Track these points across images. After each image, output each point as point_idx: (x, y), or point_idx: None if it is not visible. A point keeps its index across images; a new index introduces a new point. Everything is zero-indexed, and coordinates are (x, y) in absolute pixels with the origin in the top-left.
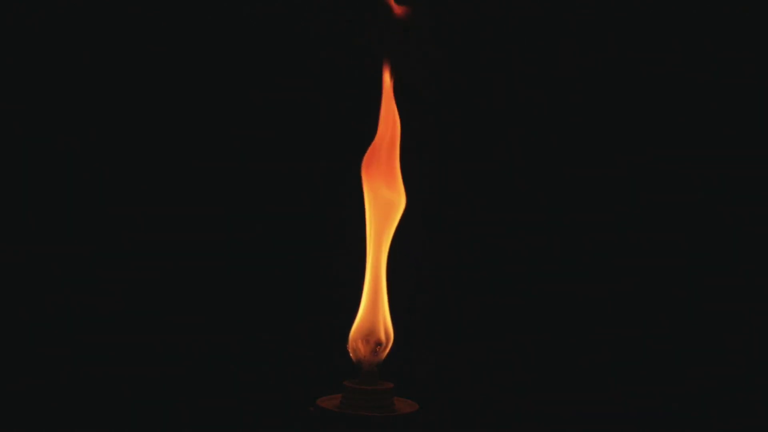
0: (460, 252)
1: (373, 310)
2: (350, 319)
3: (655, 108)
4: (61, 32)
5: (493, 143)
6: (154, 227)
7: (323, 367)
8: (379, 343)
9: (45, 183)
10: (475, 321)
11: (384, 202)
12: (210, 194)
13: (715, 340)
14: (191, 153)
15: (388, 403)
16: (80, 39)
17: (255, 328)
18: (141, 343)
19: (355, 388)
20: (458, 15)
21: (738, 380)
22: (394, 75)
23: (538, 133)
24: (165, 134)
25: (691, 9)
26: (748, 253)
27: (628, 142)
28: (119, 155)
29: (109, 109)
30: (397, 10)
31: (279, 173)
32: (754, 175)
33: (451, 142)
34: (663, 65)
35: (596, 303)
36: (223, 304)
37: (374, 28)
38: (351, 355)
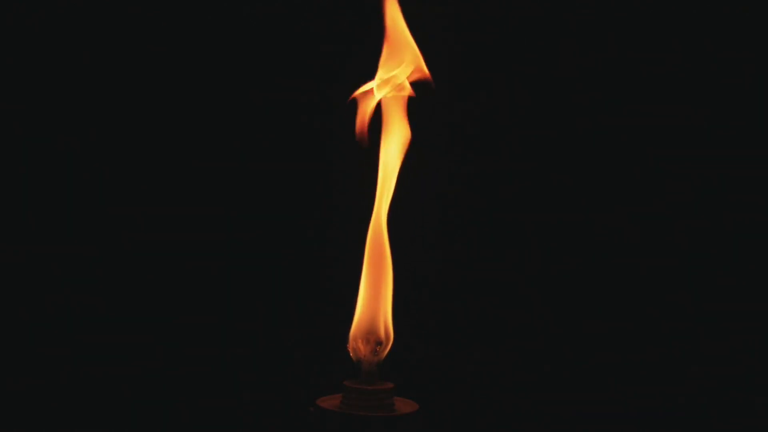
0: (460, 251)
1: (373, 309)
2: (350, 319)
3: (654, 108)
4: (60, 32)
5: (494, 143)
6: (154, 227)
7: (323, 367)
8: (379, 343)
9: (45, 183)
10: (475, 321)
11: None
12: (210, 194)
13: (715, 341)
14: (191, 153)
15: (388, 403)
16: (80, 39)
17: (255, 328)
18: (141, 343)
19: (355, 388)
20: (457, 15)
21: (738, 380)
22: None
23: (539, 133)
24: (165, 134)
25: (691, 9)
26: (749, 253)
27: (627, 141)
28: (119, 155)
29: (109, 109)
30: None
31: (279, 173)
32: (754, 175)
33: (452, 142)
34: (663, 65)
35: (596, 303)
36: (223, 304)
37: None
38: (351, 354)
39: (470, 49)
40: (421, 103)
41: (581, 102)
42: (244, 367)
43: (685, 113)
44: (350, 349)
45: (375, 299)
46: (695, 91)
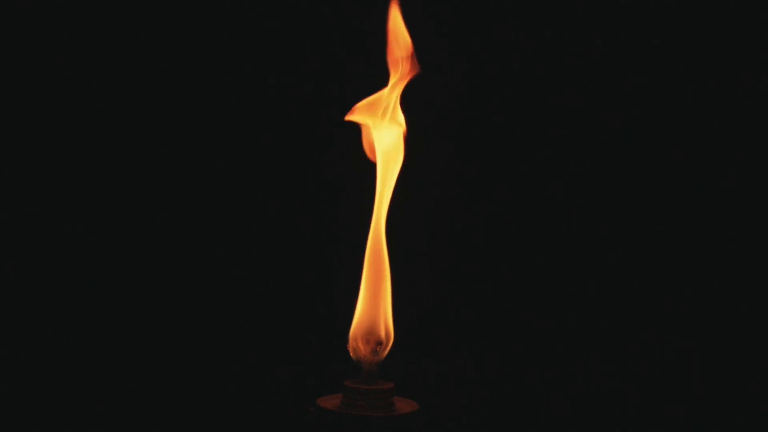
0: (461, 251)
1: (374, 309)
2: (350, 319)
3: (655, 109)
4: (60, 32)
5: (495, 145)
6: (154, 227)
7: (323, 367)
8: (379, 343)
9: (44, 183)
10: (475, 321)
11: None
12: (210, 194)
13: (715, 341)
14: (191, 153)
15: (388, 403)
16: (80, 38)
17: (255, 328)
18: (141, 343)
19: (355, 388)
20: (457, 14)
21: (739, 380)
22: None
23: (540, 133)
24: (164, 134)
25: (691, 10)
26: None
27: (628, 144)
28: (118, 155)
29: (107, 108)
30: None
31: (279, 173)
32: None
33: (453, 143)
34: (662, 67)
35: (597, 303)
36: (223, 304)
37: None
38: (351, 354)
39: (470, 51)
40: (420, 104)
41: (583, 102)
42: (244, 367)
43: (686, 114)
44: (350, 349)
45: (375, 299)
46: (696, 91)
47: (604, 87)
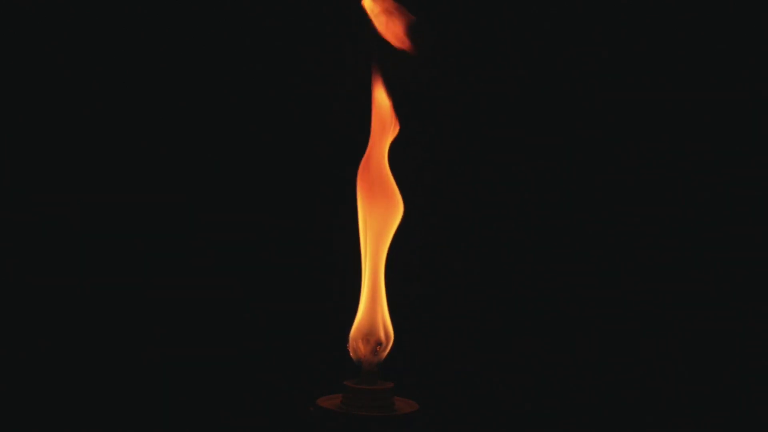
0: (460, 250)
1: (373, 310)
2: (350, 319)
3: (658, 111)
4: (60, 32)
5: (493, 143)
6: (152, 227)
7: (323, 367)
8: (379, 343)
9: (44, 182)
10: (475, 320)
11: (381, 213)
12: (210, 194)
13: (713, 341)
14: (190, 153)
15: (388, 403)
16: (80, 38)
17: (255, 328)
18: (141, 344)
19: (355, 388)
20: (455, 14)
21: (738, 380)
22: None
23: (539, 133)
24: (164, 134)
25: (691, 11)
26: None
27: (628, 145)
28: (118, 155)
29: (107, 108)
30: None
31: (278, 174)
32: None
33: (449, 141)
34: (662, 69)
35: (598, 302)
36: (223, 304)
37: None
38: (351, 355)
39: (469, 45)
40: (421, 97)
41: (584, 103)
42: (245, 367)
43: (688, 115)
44: (350, 350)
45: (375, 299)
46: (697, 92)
47: (606, 84)
